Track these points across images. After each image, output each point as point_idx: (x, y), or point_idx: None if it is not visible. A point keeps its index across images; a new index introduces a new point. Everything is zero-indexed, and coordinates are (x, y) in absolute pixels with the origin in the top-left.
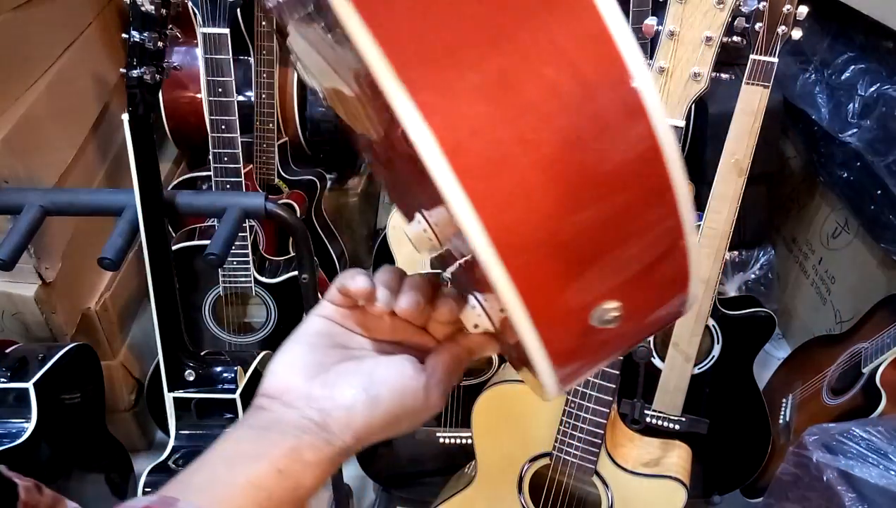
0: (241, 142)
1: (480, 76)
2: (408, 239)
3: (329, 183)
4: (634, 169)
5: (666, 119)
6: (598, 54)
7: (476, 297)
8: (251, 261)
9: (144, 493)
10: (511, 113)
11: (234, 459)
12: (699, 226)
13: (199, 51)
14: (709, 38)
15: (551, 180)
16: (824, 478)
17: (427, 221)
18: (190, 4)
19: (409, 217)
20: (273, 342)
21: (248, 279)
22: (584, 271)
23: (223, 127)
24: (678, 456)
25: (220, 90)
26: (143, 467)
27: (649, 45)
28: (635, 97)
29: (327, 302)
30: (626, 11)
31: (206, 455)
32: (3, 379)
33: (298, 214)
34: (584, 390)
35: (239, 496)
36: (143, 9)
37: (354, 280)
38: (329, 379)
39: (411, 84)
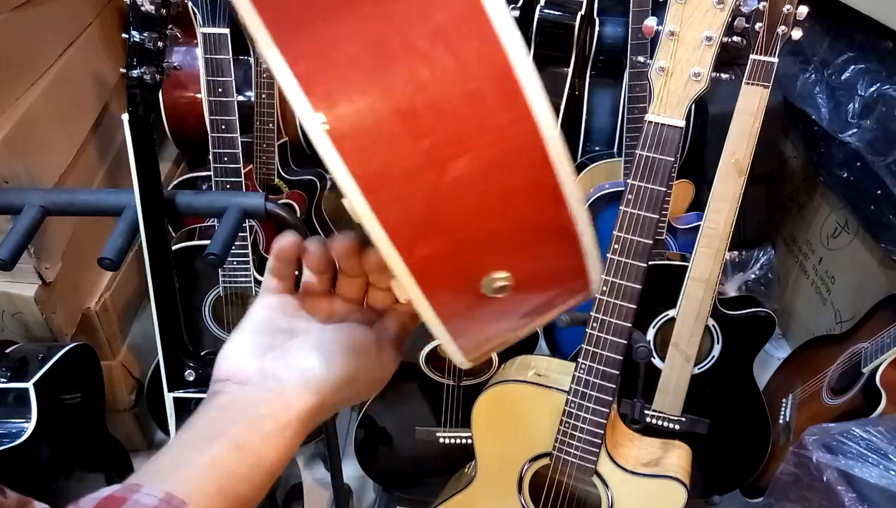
0: (241, 142)
1: (357, 47)
2: None
3: (329, 183)
4: (513, 145)
5: (541, 94)
6: (473, 30)
7: None
8: (251, 261)
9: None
10: (388, 87)
11: (195, 441)
12: (699, 226)
13: (199, 51)
14: (709, 38)
15: (427, 155)
16: (824, 478)
17: None
18: (190, 4)
19: None
20: None
21: (249, 279)
22: (467, 243)
23: (223, 127)
24: (678, 456)
25: (220, 90)
26: None
27: (649, 45)
28: (509, 71)
29: (267, 291)
30: (626, 11)
31: (170, 442)
32: (3, 379)
33: (298, 214)
34: (584, 390)
35: (199, 476)
36: (143, 9)
37: (284, 238)
38: (279, 353)
39: (290, 55)
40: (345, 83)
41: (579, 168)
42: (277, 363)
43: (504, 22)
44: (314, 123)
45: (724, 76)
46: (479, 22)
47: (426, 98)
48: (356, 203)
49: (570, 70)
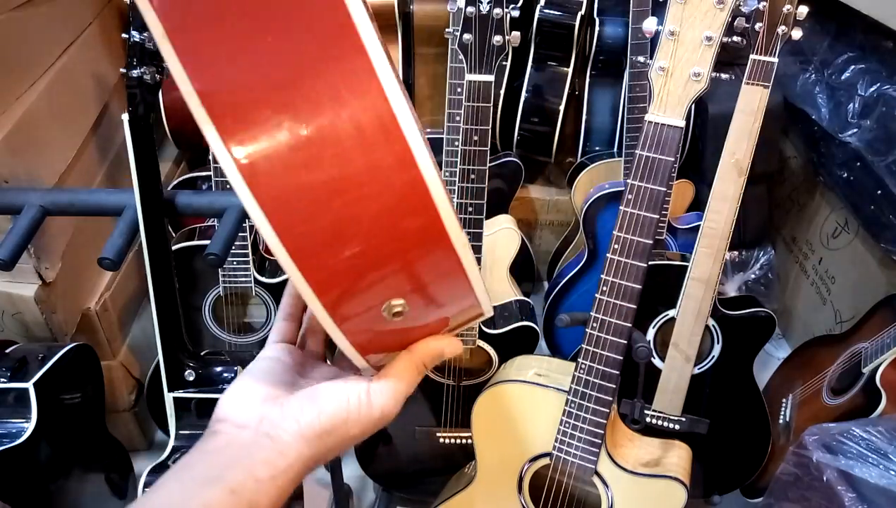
0: None
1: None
2: None
3: None
4: (401, 191)
5: (420, 139)
6: (374, 109)
7: None
8: (251, 261)
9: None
10: (302, 154)
11: (190, 483)
12: (699, 226)
13: None
14: (709, 38)
15: (335, 218)
16: (824, 478)
17: None
18: None
19: None
20: None
21: (248, 279)
22: (369, 281)
23: None
24: (678, 456)
25: None
26: (143, 467)
27: (649, 45)
28: (393, 121)
29: (275, 339)
30: (625, 11)
31: (163, 479)
32: (3, 379)
33: None
34: (584, 390)
35: None
36: None
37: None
38: (280, 401)
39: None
40: (257, 132)
41: (579, 168)
42: (275, 411)
43: (388, 78)
44: (227, 159)
45: (724, 76)
46: (370, 83)
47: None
48: (280, 257)
49: (570, 70)
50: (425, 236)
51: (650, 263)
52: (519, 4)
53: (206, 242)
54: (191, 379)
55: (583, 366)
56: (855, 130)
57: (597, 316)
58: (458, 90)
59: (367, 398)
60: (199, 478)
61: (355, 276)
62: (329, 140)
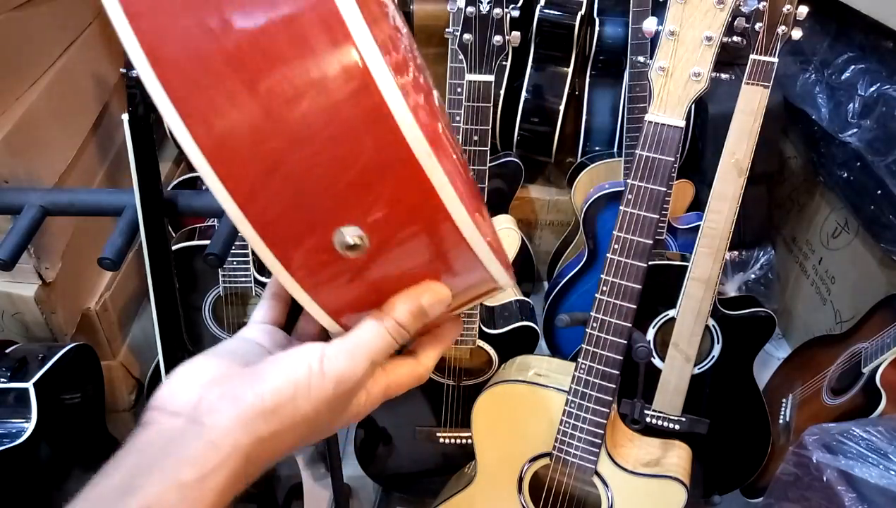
0: None
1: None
2: None
3: None
4: (346, 90)
5: (377, 55)
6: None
7: None
8: (251, 261)
9: None
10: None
11: (106, 497)
12: (699, 226)
13: None
14: (709, 38)
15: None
16: (824, 478)
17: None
18: None
19: None
20: None
21: (249, 279)
22: (307, 195)
23: None
24: (678, 456)
25: None
26: None
27: (649, 45)
28: (337, 15)
29: (256, 319)
30: (625, 11)
31: (85, 492)
32: (3, 379)
33: None
34: (584, 390)
35: None
36: None
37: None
38: (224, 381)
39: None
40: (175, 27)
41: (579, 168)
42: (214, 391)
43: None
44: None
45: (724, 76)
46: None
47: (254, 42)
48: (177, 132)
49: (570, 70)
50: (369, 131)
51: (650, 263)
52: (519, 4)
53: (206, 242)
54: None
55: (583, 366)
56: (855, 130)
57: (597, 316)
58: (458, 90)
59: (318, 365)
60: (109, 494)
61: (290, 188)
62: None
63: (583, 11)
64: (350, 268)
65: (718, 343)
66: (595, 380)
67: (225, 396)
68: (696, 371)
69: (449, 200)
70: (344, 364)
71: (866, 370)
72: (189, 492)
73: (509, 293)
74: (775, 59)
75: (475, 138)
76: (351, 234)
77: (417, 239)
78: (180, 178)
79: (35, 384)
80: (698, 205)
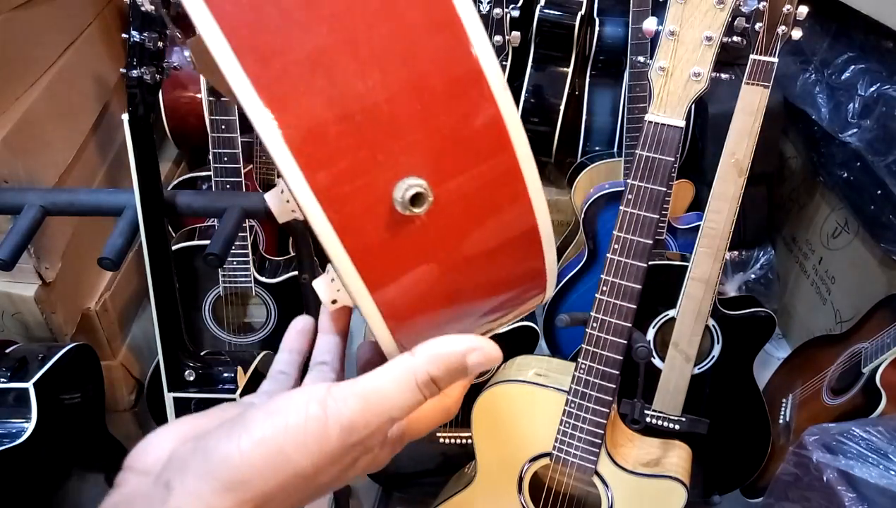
0: (241, 142)
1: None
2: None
3: None
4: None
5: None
6: None
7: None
8: (251, 261)
9: None
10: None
11: None
12: (699, 226)
13: None
14: (709, 38)
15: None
16: (824, 478)
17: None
18: None
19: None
20: (273, 342)
21: (248, 279)
22: (374, 133)
23: (223, 127)
24: (678, 456)
25: None
26: None
27: (649, 45)
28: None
29: (263, 391)
30: (625, 11)
31: None
32: (3, 379)
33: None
34: (584, 390)
35: None
36: (143, 9)
37: (296, 323)
38: (203, 435)
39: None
40: None
41: (579, 168)
42: (187, 447)
43: None
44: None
45: (724, 76)
46: None
47: None
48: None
49: (570, 70)
50: (458, 88)
51: (650, 263)
52: (519, 4)
53: (206, 242)
54: (191, 379)
55: (583, 366)
56: (855, 130)
57: (597, 316)
58: None
59: (319, 409)
60: None
61: (349, 114)
62: None
63: (583, 11)
64: (406, 229)
65: (718, 343)
66: (595, 380)
67: (197, 451)
68: (696, 371)
69: (528, 169)
70: (354, 409)
71: (866, 370)
72: None
73: None
74: (775, 59)
75: None
76: (417, 186)
77: (488, 207)
78: (180, 178)
79: (35, 384)
80: (698, 205)
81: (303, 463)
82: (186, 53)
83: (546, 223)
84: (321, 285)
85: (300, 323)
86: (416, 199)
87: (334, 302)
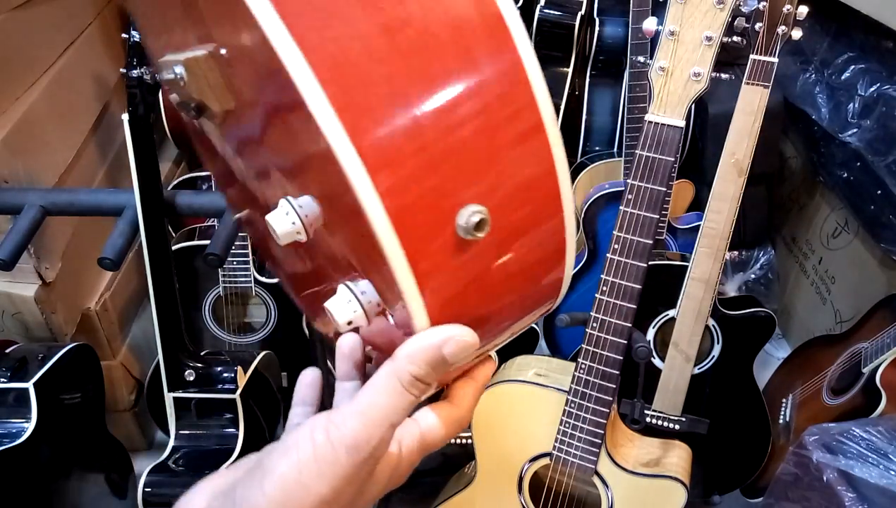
0: None
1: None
2: (271, 230)
3: None
4: (498, 69)
5: (530, 48)
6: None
7: (347, 285)
8: (251, 261)
9: (145, 493)
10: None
11: None
12: (699, 226)
13: None
14: (709, 38)
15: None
16: (824, 478)
17: (294, 208)
18: None
19: (262, 207)
20: (273, 342)
21: (248, 279)
22: (442, 158)
23: None
24: (678, 456)
25: None
26: (143, 467)
27: (649, 45)
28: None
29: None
30: (625, 11)
31: None
32: (3, 379)
33: None
34: (584, 390)
35: None
36: None
37: (305, 376)
38: (235, 486)
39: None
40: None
41: (579, 168)
42: (218, 499)
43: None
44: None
45: (724, 76)
46: None
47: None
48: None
49: (570, 70)
50: (516, 115)
51: (650, 263)
52: (519, 4)
53: (206, 242)
54: (191, 379)
55: (583, 366)
56: (855, 130)
57: (597, 316)
58: None
59: (324, 436)
60: None
61: (428, 156)
62: None
63: (583, 11)
64: (467, 251)
65: (718, 343)
66: (595, 380)
67: (226, 503)
68: (696, 371)
69: (564, 186)
70: (355, 428)
71: (866, 370)
72: None
73: None
74: (775, 59)
75: None
76: (478, 212)
77: (531, 225)
78: (180, 178)
79: (35, 384)
80: (698, 205)
81: (322, 490)
82: None
83: (572, 238)
84: (337, 306)
85: (309, 377)
86: (479, 225)
87: (349, 323)
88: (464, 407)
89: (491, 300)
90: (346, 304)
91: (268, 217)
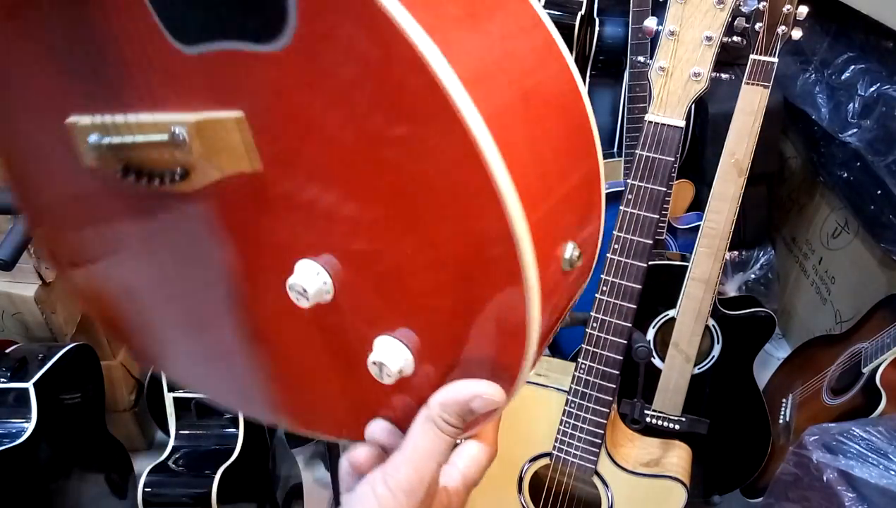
0: None
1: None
2: (294, 292)
3: None
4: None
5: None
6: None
7: (391, 336)
8: None
9: (145, 493)
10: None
11: None
12: (699, 226)
13: None
14: (709, 38)
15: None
16: (824, 478)
17: (324, 268)
18: None
19: (281, 271)
20: None
21: None
22: (564, 191)
23: None
24: (678, 456)
25: None
26: (143, 467)
27: (649, 45)
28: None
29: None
30: (625, 11)
31: None
32: (3, 379)
33: None
34: (585, 390)
35: None
36: None
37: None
38: None
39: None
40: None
41: None
42: None
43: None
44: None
45: (724, 76)
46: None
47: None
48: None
49: None
50: (585, 157)
51: (650, 263)
52: None
53: None
54: None
55: (583, 366)
56: (855, 130)
57: (597, 316)
58: None
59: (383, 487)
60: None
61: (551, 171)
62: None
63: (583, 11)
64: (565, 288)
65: (718, 343)
66: (595, 380)
67: None
68: (696, 371)
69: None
70: (408, 473)
71: (866, 370)
72: None
73: None
74: (775, 59)
75: None
76: (576, 248)
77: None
78: None
79: (35, 384)
80: (698, 205)
81: None
82: None
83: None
84: (389, 353)
85: (346, 465)
86: (577, 260)
87: (400, 371)
88: (488, 439)
89: (559, 317)
90: (398, 352)
91: (293, 280)
